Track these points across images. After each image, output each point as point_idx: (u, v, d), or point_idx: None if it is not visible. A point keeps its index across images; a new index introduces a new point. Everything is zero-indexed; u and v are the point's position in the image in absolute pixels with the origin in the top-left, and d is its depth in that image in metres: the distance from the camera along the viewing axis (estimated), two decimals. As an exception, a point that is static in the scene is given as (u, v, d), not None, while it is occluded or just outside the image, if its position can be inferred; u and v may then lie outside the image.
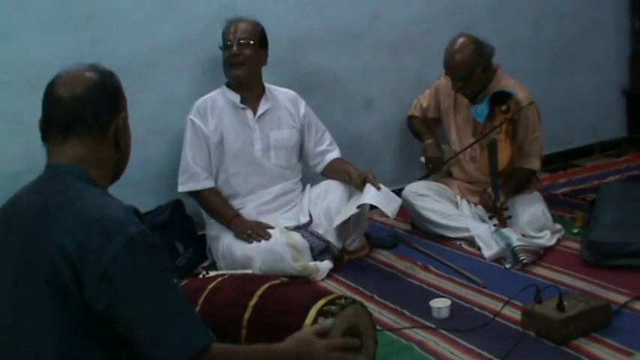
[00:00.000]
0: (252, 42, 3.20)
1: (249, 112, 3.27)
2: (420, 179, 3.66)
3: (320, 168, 3.45)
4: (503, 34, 3.89)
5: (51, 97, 1.61)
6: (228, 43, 3.20)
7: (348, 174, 3.27)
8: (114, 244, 1.42)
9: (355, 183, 3.23)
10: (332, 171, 3.42)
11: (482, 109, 3.37)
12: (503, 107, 3.33)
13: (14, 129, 3.09)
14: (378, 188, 3.16)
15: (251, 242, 3.07)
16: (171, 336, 1.44)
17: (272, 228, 3.14)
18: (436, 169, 3.62)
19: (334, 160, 3.43)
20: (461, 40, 3.39)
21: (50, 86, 1.62)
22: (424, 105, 3.77)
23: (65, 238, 1.44)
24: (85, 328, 1.46)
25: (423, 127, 3.74)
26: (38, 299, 1.46)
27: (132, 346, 1.47)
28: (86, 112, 1.57)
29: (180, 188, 3.24)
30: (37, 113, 3.11)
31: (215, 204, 3.23)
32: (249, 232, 3.10)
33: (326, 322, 1.90)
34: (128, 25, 3.26)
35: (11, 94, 3.07)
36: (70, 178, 1.55)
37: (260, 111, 3.28)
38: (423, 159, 3.63)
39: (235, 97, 3.26)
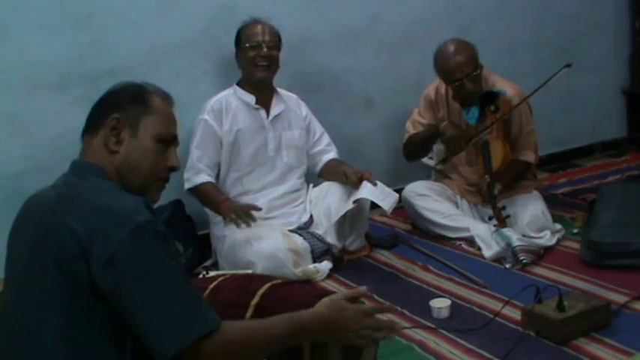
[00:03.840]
0: (279, 46, 3.28)
1: (262, 113, 3.31)
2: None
3: (317, 169, 3.47)
4: (503, 34, 3.91)
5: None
6: (255, 44, 3.22)
7: (345, 174, 3.28)
8: (122, 230, 1.45)
9: (351, 180, 3.23)
10: (329, 172, 3.43)
11: (473, 111, 3.35)
12: (492, 107, 3.32)
13: (14, 129, 3.10)
14: (374, 184, 3.18)
15: (239, 226, 3.09)
16: (172, 323, 1.43)
17: (259, 209, 3.17)
18: (458, 148, 3.42)
19: (331, 160, 3.45)
20: (455, 41, 3.35)
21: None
22: (424, 121, 3.61)
23: (76, 223, 1.47)
24: (90, 313, 1.48)
25: (426, 130, 3.59)
26: (46, 282, 1.48)
27: (134, 332, 1.48)
28: None
29: (186, 185, 3.26)
30: (37, 113, 3.16)
31: (209, 193, 3.25)
32: (233, 215, 3.11)
33: (359, 288, 1.79)
34: (128, 25, 3.27)
35: (11, 94, 3.07)
36: (86, 173, 1.61)
37: (274, 112, 3.33)
38: (436, 148, 3.57)
39: (250, 98, 3.29)
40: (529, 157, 3.50)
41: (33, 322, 1.50)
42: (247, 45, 3.24)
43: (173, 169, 1.71)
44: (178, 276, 1.49)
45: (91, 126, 1.66)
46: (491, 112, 3.33)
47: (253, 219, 3.12)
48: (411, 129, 3.66)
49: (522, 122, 3.44)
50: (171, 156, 1.71)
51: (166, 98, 1.73)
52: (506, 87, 3.39)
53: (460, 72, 3.29)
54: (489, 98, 3.34)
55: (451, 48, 3.33)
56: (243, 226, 3.10)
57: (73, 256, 1.46)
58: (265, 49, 3.22)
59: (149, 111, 1.66)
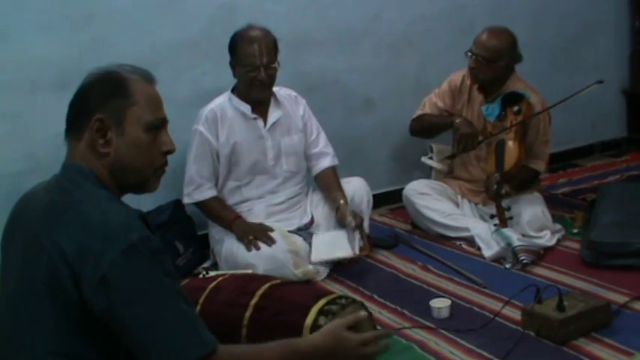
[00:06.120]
0: (276, 56, 3.13)
1: (259, 122, 3.23)
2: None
3: (314, 172, 3.42)
4: (503, 34, 3.91)
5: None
6: (252, 68, 3.06)
7: (337, 205, 3.21)
8: (113, 250, 1.40)
9: (349, 225, 3.15)
10: (322, 183, 3.38)
11: (493, 108, 3.38)
12: (515, 108, 3.35)
13: (14, 129, 3.09)
14: (359, 225, 3.14)
15: (250, 250, 3.03)
16: (167, 346, 1.42)
17: (273, 231, 3.10)
18: (469, 147, 3.39)
19: (327, 169, 3.38)
20: (504, 29, 3.43)
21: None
22: (440, 104, 3.61)
23: (66, 240, 1.43)
24: (82, 328, 1.46)
25: (440, 116, 3.59)
26: (36, 298, 1.46)
27: (130, 348, 1.47)
28: None
29: (186, 200, 3.23)
30: (37, 113, 3.16)
31: (217, 209, 3.21)
32: (251, 237, 3.06)
33: (360, 313, 1.78)
34: (128, 25, 3.27)
35: (11, 94, 3.07)
36: (79, 179, 1.54)
37: (271, 120, 3.24)
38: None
39: (246, 108, 3.19)
40: (539, 166, 3.51)
41: (25, 337, 1.48)
42: (244, 69, 3.09)
43: (169, 152, 1.63)
44: (174, 296, 1.45)
45: (74, 127, 1.57)
46: (514, 113, 3.35)
47: (273, 240, 3.04)
48: (427, 107, 3.66)
49: (540, 130, 3.45)
50: (164, 139, 1.62)
51: (146, 78, 1.62)
52: (531, 93, 3.41)
53: (479, 48, 3.37)
54: (513, 99, 3.36)
55: (496, 29, 3.42)
56: (262, 246, 3.03)
57: (63, 277, 1.42)
58: (264, 74, 3.09)
59: (131, 101, 1.56)
